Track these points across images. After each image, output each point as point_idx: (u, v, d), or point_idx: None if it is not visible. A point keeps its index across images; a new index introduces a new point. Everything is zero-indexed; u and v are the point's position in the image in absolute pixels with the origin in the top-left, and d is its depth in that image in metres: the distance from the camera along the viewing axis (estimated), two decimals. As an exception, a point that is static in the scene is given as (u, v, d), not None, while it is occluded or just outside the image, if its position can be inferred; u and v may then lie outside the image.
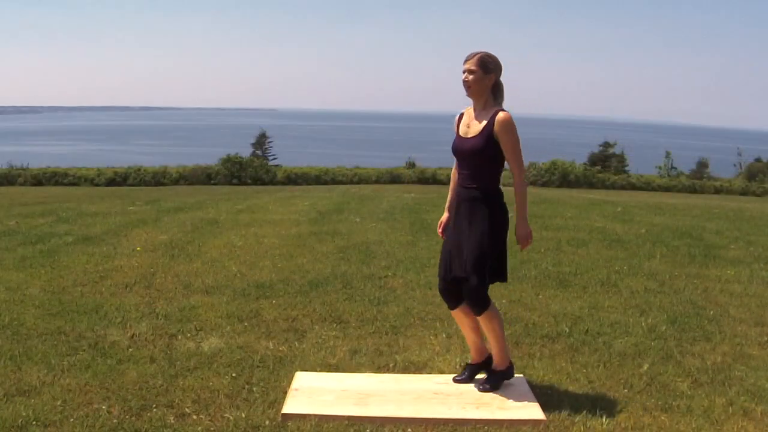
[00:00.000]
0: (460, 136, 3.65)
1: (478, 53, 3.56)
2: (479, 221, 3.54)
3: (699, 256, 7.58)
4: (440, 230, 3.86)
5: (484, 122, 3.55)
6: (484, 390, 3.66)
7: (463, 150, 3.61)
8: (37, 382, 3.69)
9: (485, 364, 3.79)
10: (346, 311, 5.14)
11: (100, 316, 4.89)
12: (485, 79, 3.54)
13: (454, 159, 3.72)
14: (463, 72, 3.57)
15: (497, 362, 3.72)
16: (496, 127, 3.51)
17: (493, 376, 3.71)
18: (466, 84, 3.57)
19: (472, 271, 3.51)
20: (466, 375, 3.79)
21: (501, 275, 3.66)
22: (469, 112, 3.68)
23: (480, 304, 3.55)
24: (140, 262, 6.70)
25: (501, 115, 3.52)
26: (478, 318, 3.61)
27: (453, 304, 3.70)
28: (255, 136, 46.01)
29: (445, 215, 3.84)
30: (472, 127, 3.60)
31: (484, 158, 3.55)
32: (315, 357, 4.21)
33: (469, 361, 3.87)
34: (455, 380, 3.78)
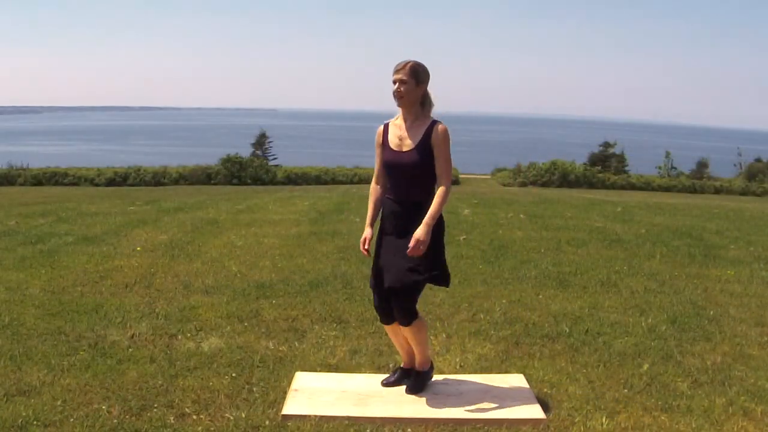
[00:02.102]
0: (392, 149, 3.51)
1: (408, 62, 3.46)
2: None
3: (699, 256, 7.59)
4: (365, 248, 3.60)
5: (420, 134, 3.48)
6: (411, 392, 3.65)
7: (401, 164, 3.48)
8: (37, 382, 3.69)
9: (412, 370, 3.78)
10: (346, 311, 5.14)
11: (100, 316, 4.89)
12: (417, 89, 3.47)
13: (379, 173, 3.62)
14: (394, 82, 3.46)
15: (421, 364, 3.71)
16: (434, 138, 3.45)
17: (418, 378, 3.70)
18: (398, 94, 3.46)
19: (406, 283, 3.43)
20: (396, 377, 3.76)
21: (446, 280, 3.61)
22: (396, 124, 3.57)
23: (408, 315, 3.50)
24: (140, 262, 6.70)
25: (441, 127, 3.48)
26: (407, 328, 3.53)
27: (389, 319, 3.61)
28: (255, 136, 46.03)
29: (368, 231, 3.61)
30: (406, 139, 3.50)
31: (422, 171, 3.49)
32: (315, 357, 4.21)
33: (402, 365, 3.81)
34: (384, 384, 3.73)
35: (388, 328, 3.70)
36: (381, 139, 3.59)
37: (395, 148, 3.53)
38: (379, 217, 3.67)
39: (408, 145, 3.49)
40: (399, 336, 3.70)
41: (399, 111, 3.58)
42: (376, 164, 3.65)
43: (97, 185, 28.85)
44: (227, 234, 8.51)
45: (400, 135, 3.53)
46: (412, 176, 3.50)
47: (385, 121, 3.64)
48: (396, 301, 3.48)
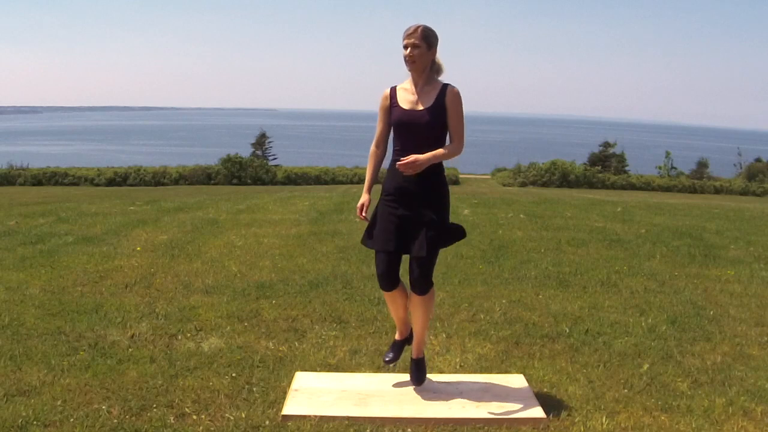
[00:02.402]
0: (404, 108, 3.47)
1: (419, 26, 3.43)
2: (438, 198, 3.51)
3: (699, 256, 7.59)
4: (362, 214, 3.61)
5: (433, 96, 3.47)
6: (420, 383, 3.68)
7: (415, 122, 3.44)
8: (37, 382, 3.69)
9: (409, 339, 3.82)
10: (346, 311, 5.14)
11: (100, 316, 4.89)
12: (429, 53, 3.46)
13: (381, 137, 3.59)
14: (405, 47, 3.44)
15: (419, 348, 3.72)
16: (448, 100, 3.46)
17: (420, 366, 3.72)
18: (410, 59, 3.44)
19: (432, 249, 3.46)
20: (395, 354, 3.79)
21: (462, 232, 3.63)
22: (406, 87, 3.53)
23: (428, 282, 3.51)
24: (140, 262, 6.70)
25: (453, 89, 3.49)
26: (422, 297, 3.53)
27: (392, 285, 3.58)
28: (255, 136, 46.06)
29: (366, 198, 3.62)
30: (421, 100, 3.47)
31: (437, 131, 3.48)
32: (315, 357, 4.21)
33: (397, 338, 3.84)
34: (386, 361, 3.78)
35: (388, 296, 3.64)
36: (388, 101, 3.55)
37: (408, 108, 3.49)
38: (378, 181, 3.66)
39: (422, 104, 3.47)
40: (398, 304, 3.68)
41: (407, 77, 3.54)
42: (378, 127, 3.61)
43: (97, 185, 28.88)
44: (227, 234, 8.51)
45: (412, 97, 3.50)
46: (425, 137, 3.46)
47: (392, 85, 3.60)
48: (420, 268, 3.47)
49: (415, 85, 3.52)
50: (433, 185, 3.51)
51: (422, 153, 3.43)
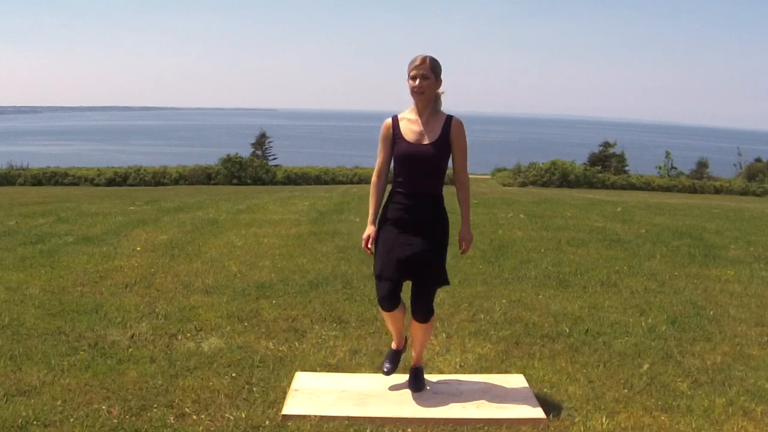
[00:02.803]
0: (410, 142, 3.47)
1: (426, 57, 3.44)
2: (441, 228, 3.55)
3: (699, 256, 7.59)
4: (369, 246, 3.56)
5: (439, 129, 3.49)
6: (420, 390, 3.69)
7: (421, 157, 3.45)
8: (37, 382, 3.69)
9: (404, 348, 3.85)
10: (346, 311, 5.14)
11: (100, 316, 4.89)
12: (436, 84, 3.48)
13: (383, 167, 3.57)
14: (414, 78, 3.44)
15: (419, 359, 3.77)
16: (453, 133, 3.48)
17: (420, 374, 3.76)
18: (419, 90, 3.44)
19: (437, 281, 3.51)
20: (393, 364, 3.78)
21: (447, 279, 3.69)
22: (410, 118, 3.52)
23: (431, 310, 3.56)
24: (140, 262, 6.70)
25: (458, 121, 3.51)
26: (423, 324, 3.57)
27: (393, 307, 3.58)
28: (255, 136, 46.06)
29: (372, 229, 3.57)
30: (425, 133, 3.48)
31: (441, 164, 3.51)
32: (315, 357, 4.21)
33: (394, 348, 3.83)
34: (385, 372, 3.76)
35: (389, 314, 3.63)
36: (391, 132, 3.53)
37: (414, 141, 3.48)
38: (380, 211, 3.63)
39: (428, 138, 3.47)
40: (397, 319, 3.67)
41: (410, 106, 3.54)
42: (379, 157, 3.58)
43: (97, 185, 28.87)
44: (227, 234, 8.50)
45: (417, 129, 3.49)
46: (430, 170, 3.49)
47: (393, 115, 3.59)
48: (427, 297, 3.52)
49: (420, 116, 3.51)
50: (431, 213, 3.52)
51: (423, 184, 3.49)
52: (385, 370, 3.77)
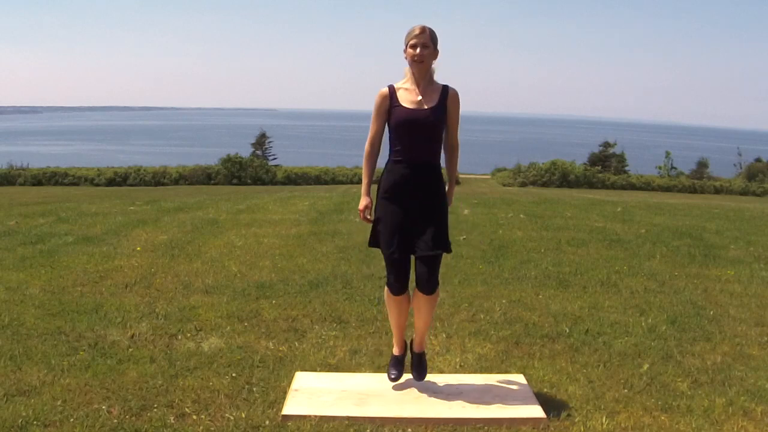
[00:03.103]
0: (409, 108, 3.47)
1: (425, 27, 3.46)
2: (440, 196, 3.55)
3: (699, 256, 7.59)
4: (367, 216, 3.59)
5: (437, 97, 3.51)
6: (423, 377, 3.71)
7: (420, 121, 3.45)
8: (37, 382, 3.69)
9: (406, 353, 3.83)
10: (346, 311, 5.14)
11: (100, 316, 4.89)
12: (434, 53, 3.50)
13: (377, 136, 3.56)
14: (414, 47, 3.44)
15: (422, 342, 3.75)
16: (450, 101, 3.52)
17: (422, 360, 3.75)
18: (420, 58, 3.45)
19: (441, 247, 3.50)
20: (399, 370, 3.75)
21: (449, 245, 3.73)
22: (407, 87, 3.52)
23: (436, 281, 3.55)
24: (140, 262, 6.70)
25: (455, 91, 3.55)
26: (428, 297, 3.54)
27: (403, 288, 3.59)
28: (255, 136, 46.06)
29: (368, 199, 3.59)
30: (423, 100, 3.49)
31: (439, 130, 3.53)
32: (315, 357, 4.21)
33: (396, 353, 3.80)
34: (392, 379, 3.72)
35: (396, 300, 3.63)
36: (388, 101, 3.52)
37: (412, 107, 3.48)
38: (379, 183, 3.63)
39: (427, 104, 3.49)
40: (402, 310, 3.68)
41: (404, 77, 3.55)
42: (373, 126, 3.57)
43: (97, 185, 28.89)
44: (227, 234, 8.51)
45: (415, 98, 3.50)
46: (428, 136, 3.50)
47: (389, 84, 3.57)
48: (432, 267, 3.50)
49: (417, 85, 3.52)
50: (432, 181, 3.54)
51: (424, 151, 3.50)
52: (393, 376, 3.74)
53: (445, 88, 3.54)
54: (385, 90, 3.54)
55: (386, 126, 3.57)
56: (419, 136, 3.49)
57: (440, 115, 3.49)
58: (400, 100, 3.51)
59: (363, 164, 3.64)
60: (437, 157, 3.57)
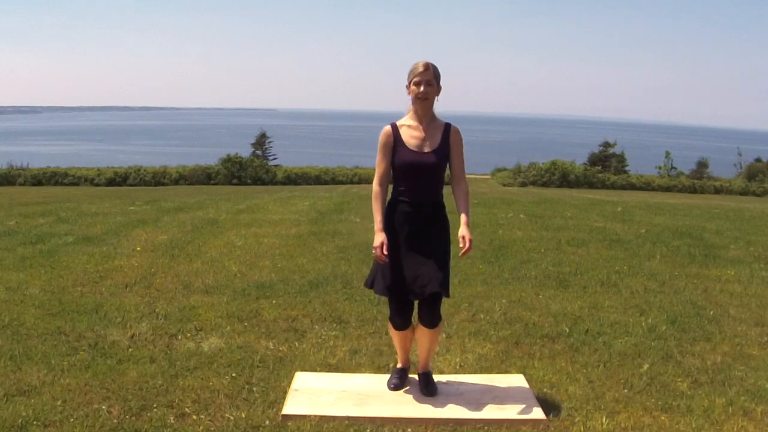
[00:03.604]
0: (412, 150, 3.46)
1: (429, 63, 3.45)
2: (443, 234, 3.56)
3: (699, 256, 7.59)
4: (384, 253, 3.42)
5: (439, 136, 3.51)
6: (433, 394, 3.65)
7: (424, 165, 3.45)
8: (37, 382, 3.70)
9: (409, 367, 3.84)
10: (346, 311, 5.14)
11: (100, 316, 4.89)
12: (437, 91, 3.49)
13: (384, 175, 3.52)
14: (418, 84, 3.43)
15: (427, 364, 3.76)
16: (453, 140, 3.52)
17: (431, 378, 3.75)
18: (424, 96, 3.44)
19: (444, 285, 3.50)
20: (400, 380, 3.75)
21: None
22: (410, 125, 3.51)
23: (439, 316, 3.58)
24: (140, 262, 6.70)
25: (456, 129, 3.55)
26: (432, 330, 3.58)
27: (405, 325, 3.62)
28: (255, 136, 46.05)
29: (384, 236, 3.45)
30: (426, 141, 3.49)
31: (442, 172, 3.54)
32: (315, 357, 4.21)
33: (399, 366, 3.81)
34: (393, 387, 3.71)
35: (400, 334, 3.65)
36: (391, 140, 3.51)
37: (416, 149, 3.48)
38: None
39: (430, 146, 3.48)
40: (407, 339, 3.70)
41: (406, 113, 3.54)
42: (380, 166, 3.54)
43: (97, 185, 28.87)
44: (227, 234, 8.51)
45: (418, 136, 3.49)
46: (433, 178, 3.51)
47: (391, 122, 3.57)
48: (434, 305, 3.51)
49: (420, 123, 3.51)
50: (435, 220, 3.54)
51: (427, 191, 3.50)
52: (392, 386, 3.72)
53: (447, 127, 3.53)
54: (388, 128, 3.54)
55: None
56: (423, 178, 3.50)
57: (443, 156, 3.50)
58: (404, 139, 3.49)
59: (373, 202, 3.56)
60: (440, 195, 3.57)
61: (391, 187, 3.60)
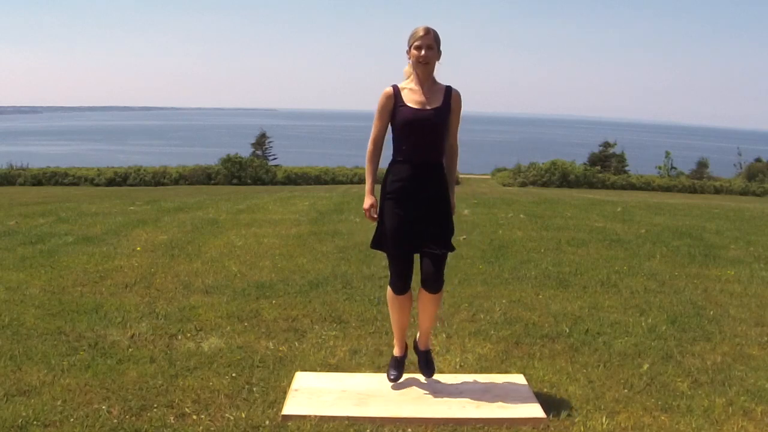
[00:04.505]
0: (414, 108, 3.48)
1: (430, 28, 3.47)
2: (445, 195, 3.59)
3: (699, 256, 7.59)
4: (373, 215, 3.60)
5: (441, 97, 3.53)
6: (432, 373, 3.74)
7: (426, 121, 3.46)
8: (37, 382, 3.69)
9: (406, 354, 3.84)
10: (346, 311, 5.14)
11: (100, 316, 4.89)
12: (438, 55, 3.51)
13: (380, 136, 3.56)
14: (419, 48, 3.44)
15: (428, 342, 3.79)
16: (454, 102, 3.55)
17: (430, 357, 3.78)
18: (425, 60, 3.45)
19: (448, 246, 3.57)
20: (399, 370, 3.75)
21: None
22: (412, 87, 3.52)
23: (442, 279, 3.59)
24: (140, 262, 6.70)
25: (457, 91, 3.56)
26: (434, 295, 3.58)
27: (407, 287, 3.61)
28: (255, 136, 46.06)
29: (373, 199, 3.59)
30: (428, 100, 3.50)
31: (444, 130, 3.55)
32: (315, 357, 4.21)
33: (396, 355, 3.81)
34: (391, 379, 3.72)
35: (399, 300, 3.63)
36: (393, 100, 3.52)
37: (418, 107, 3.48)
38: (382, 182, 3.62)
39: (432, 104, 3.50)
40: (404, 310, 3.70)
41: (404, 78, 3.55)
42: (377, 126, 3.56)
43: (97, 185, 28.89)
44: (227, 234, 8.51)
45: (420, 97, 3.50)
46: (435, 136, 3.52)
47: (392, 84, 3.57)
48: (439, 266, 3.54)
49: (422, 86, 3.52)
50: (437, 181, 3.56)
51: (428, 151, 3.51)
52: (392, 377, 3.74)
53: (449, 89, 3.56)
54: (390, 90, 3.54)
55: (389, 126, 3.58)
56: (424, 136, 3.50)
57: (445, 115, 3.51)
58: (405, 100, 3.51)
59: (366, 163, 3.65)
60: (441, 156, 3.59)
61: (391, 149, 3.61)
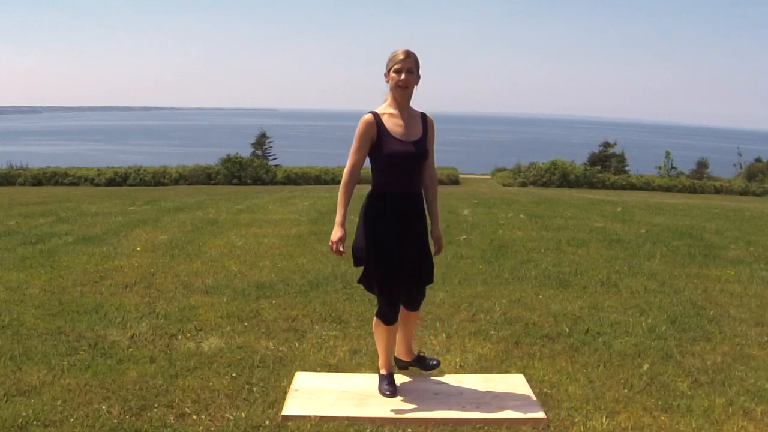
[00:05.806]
0: (399, 140, 3.40)
1: (410, 52, 3.40)
2: (425, 224, 3.63)
3: (699, 256, 7.59)
4: (340, 248, 3.49)
5: (420, 125, 3.50)
6: (437, 363, 3.91)
7: (411, 154, 3.41)
8: (37, 382, 3.70)
9: (394, 369, 3.86)
10: (346, 311, 5.14)
11: (100, 316, 4.89)
12: (417, 79, 3.46)
13: (358, 166, 3.46)
14: (399, 72, 3.37)
15: (413, 349, 3.94)
16: (430, 130, 3.54)
17: (424, 356, 3.97)
18: (405, 84, 3.39)
19: (432, 275, 3.69)
20: (393, 385, 3.67)
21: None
22: (392, 113, 3.44)
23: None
24: (140, 262, 6.70)
25: (431, 117, 3.56)
26: (416, 312, 3.74)
27: (397, 317, 3.59)
28: (255, 136, 46.05)
29: (343, 231, 3.48)
30: (410, 130, 3.44)
31: (425, 161, 3.54)
32: (315, 357, 4.21)
33: (384, 373, 3.73)
34: (388, 395, 3.63)
35: (390, 330, 3.60)
36: (375, 129, 3.41)
37: (402, 138, 3.42)
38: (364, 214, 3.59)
39: (414, 135, 3.46)
40: (393, 335, 3.70)
41: (383, 102, 3.51)
42: (356, 156, 3.44)
43: (97, 185, 28.87)
44: (227, 234, 8.50)
45: (402, 125, 3.44)
46: (417, 168, 3.51)
47: (371, 111, 3.46)
48: (424, 293, 3.70)
49: (401, 112, 3.46)
50: (421, 211, 3.60)
51: (412, 182, 3.51)
52: (389, 393, 3.61)
53: (424, 116, 3.55)
54: (371, 117, 3.42)
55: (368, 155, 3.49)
56: (408, 168, 3.47)
57: (426, 145, 3.51)
58: (388, 129, 3.42)
59: (340, 194, 3.49)
60: (420, 186, 3.60)
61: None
